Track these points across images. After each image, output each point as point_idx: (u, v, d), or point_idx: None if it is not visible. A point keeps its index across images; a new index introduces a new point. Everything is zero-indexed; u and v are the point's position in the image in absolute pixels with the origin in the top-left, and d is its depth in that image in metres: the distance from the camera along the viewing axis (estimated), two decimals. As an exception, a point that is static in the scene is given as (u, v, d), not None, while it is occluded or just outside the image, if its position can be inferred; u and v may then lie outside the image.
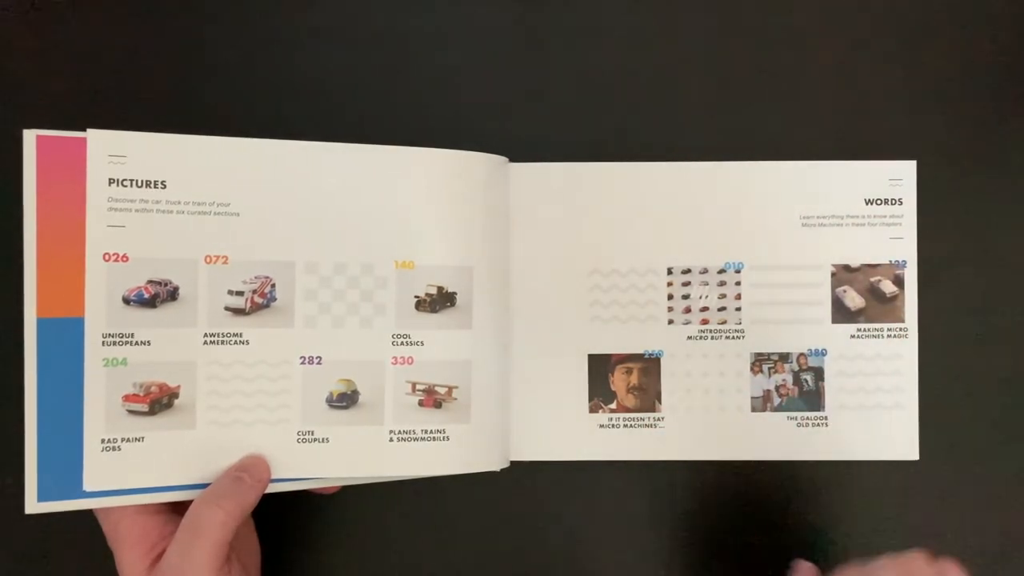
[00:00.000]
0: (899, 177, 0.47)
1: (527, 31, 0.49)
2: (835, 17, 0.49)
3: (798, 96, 0.49)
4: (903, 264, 0.46)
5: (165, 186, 0.42)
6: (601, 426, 0.47)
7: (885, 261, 0.47)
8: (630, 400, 0.47)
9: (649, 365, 0.47)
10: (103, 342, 0.41)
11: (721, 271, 0.47)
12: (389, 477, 0.44)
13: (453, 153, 0.44)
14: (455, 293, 0.44)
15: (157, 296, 0.41)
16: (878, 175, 0.47)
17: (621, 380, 0.47)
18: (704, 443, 0.47)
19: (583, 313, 0.47)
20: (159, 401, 0.41)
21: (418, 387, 0.44)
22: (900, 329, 0.46)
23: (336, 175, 0.43)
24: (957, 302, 0.48)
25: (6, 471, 0.46)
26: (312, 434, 0.43)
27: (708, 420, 0.47)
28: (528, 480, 0.48)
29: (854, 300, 0.46)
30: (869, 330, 0.46)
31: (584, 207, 0.47)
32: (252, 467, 0.41)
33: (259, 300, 0.43)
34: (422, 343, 0.44)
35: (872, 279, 0.47)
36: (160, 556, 0.39)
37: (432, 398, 0.44)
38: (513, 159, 0.47)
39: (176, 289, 0.42)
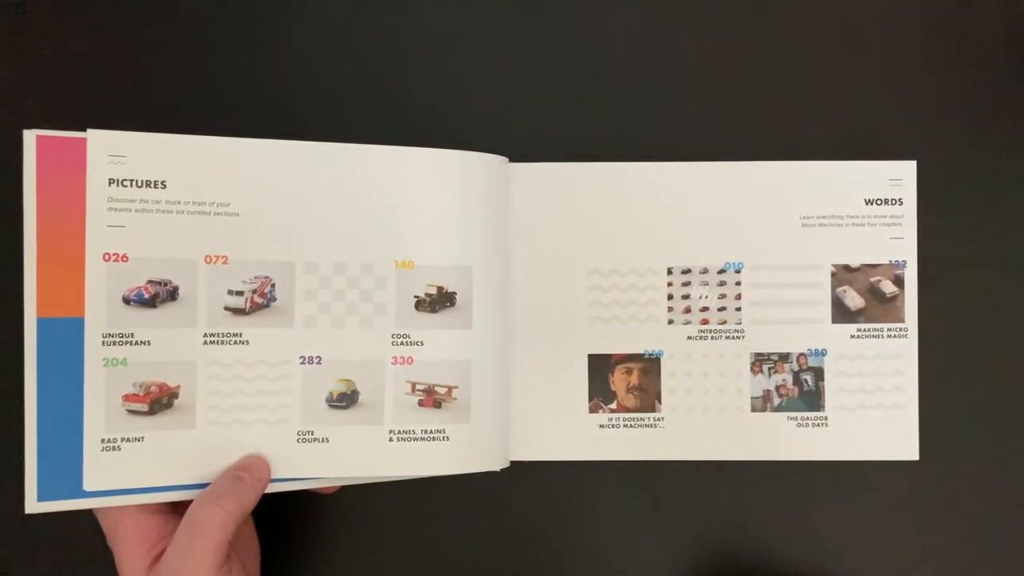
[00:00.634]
0: (899, 177, 0.47)
1: (527, 31, 0.49)
2: (835, 17, 0.49)
3: (798, 96, 0.49)
4: (903, 264, 0.46)
5: (165, 186, 0.42)
6: (601, 426, 0.47)
7: (885, 261, 0.47)
8: (630, 400, 0.47)
9: (649, 365, 0.47)
10: (103, 342, 0.41)
11: (721, 271, 0.47)
12: (389, 477, 0.44)
13: (453, 153, 0.44)
14: (455, 293, 0.44)
15: (157, 296, 0.41)
16: (878, 175, 0.47)
17: (621, 380, 0.47)
18: (704, 443, 0.47)
19: (583, 313, 0.47)
20: (159, 401, 0.41)
21: (418, 387, 0.44)
22: (900, 329, 0.46)
23: (336, 175, 0.43)
24: (957, 302, 0.48)
25: (6, 470, 0.46)
26: (312, 434, 0.43)
27: (708, 420, 0.47)
28: (528, 480, 0.48)
29: (854, 300, 0.46)
30: (869, 330, 0.46)
31: (584, 207, 0.47)
32: (252, 467, 0.41)
33: (259, 300, 0.43)
34: (422, 343, 0.44)
35: (872, 279, 0.47)
36: (160, 556, 0.39)
37: (432, 398, 0.44)
38: (513, 159, 0.47)
39: (176, 289, 0.42)
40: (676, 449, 0.47)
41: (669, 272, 0.47)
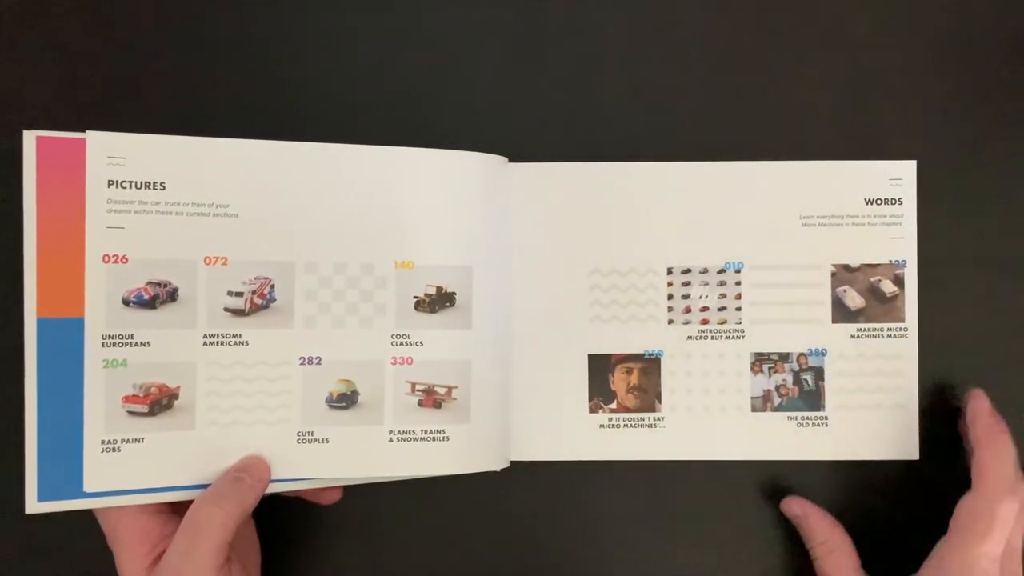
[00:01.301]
0: (899, 177, 0.47)
1: (527, 31, 0.49)
2: (835, 16, 0.49)
3: (798, 96, 0.49)
4: (903, 264, 0.46)
5: (164, 187, 0.42)
6: (601, 426, 0.47)
7: (885, 261, 0.46)
8: (630, 400, 0.47)
9: (649, 365, 0.47)
10: (103, 343, 0.41)
11: (721, 271, 0.47)
12: (389, 477, 0.44)
13: (452, 153, 0.44)
14: (454, 293, 0.44)
15: (157, 297, 0.42)
16: (878, 175, 0.47)
17: (621, 380, 0.47)
18: (704, 443, 0.47)
19: (583, 313, 0.47)
20: (159, 402, 0.41)
21: (418, 387, 0.44)
22: (900, 329, 0.46)
23: (335, 176, 0.43)
24: (957, 302, 0.48)
25: (6, 470, 0.46)
26: (312, 434, 0.43)
27: (708, 420, 0.47)
28: (528, 480, 0.48)
29: (854, 300, 0.46)
30: (869, 330, 0.46)
31: (584, 207, 0.47)
32: (252, 467, 0.42)
33: (258, 301, 0.43)
34: (422, 343, 0.44)
35: (872, 279, 0.46)
36: (160, 556, 0.39)
37: (432, 398, 0.44)
38: (513, 159, 0.47)
39: (176, 290, 0.42)
40: (676, 449, 0.47)
41: (669, 272, 0.47)
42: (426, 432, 0.44)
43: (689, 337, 0.47)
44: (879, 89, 0.48)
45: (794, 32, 0.49)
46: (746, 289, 0.47)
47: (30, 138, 0.40)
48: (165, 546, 0.39)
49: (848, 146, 0.48)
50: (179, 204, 0.42)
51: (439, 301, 0.44)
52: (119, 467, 0.41)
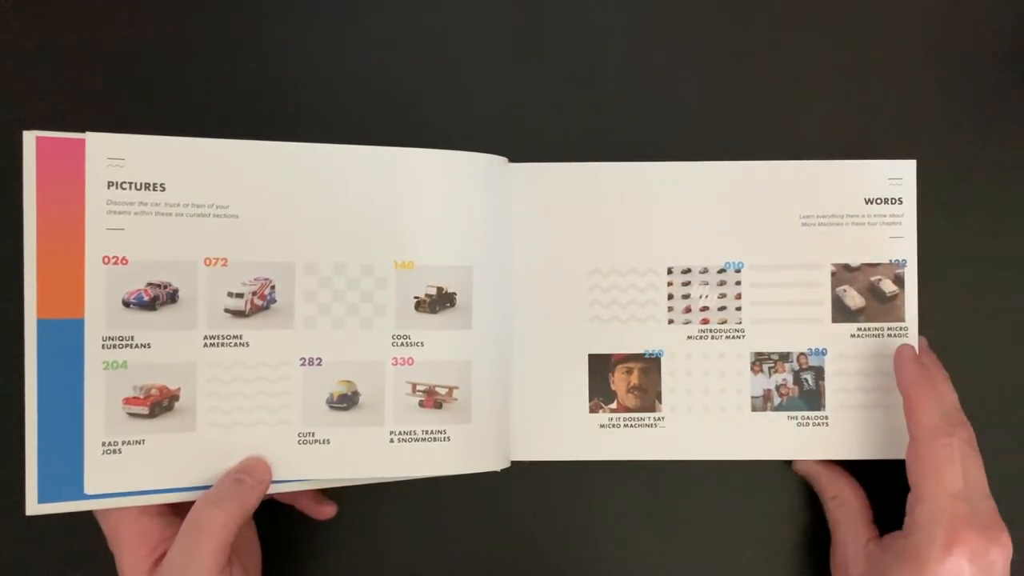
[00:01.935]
0: (899, 176, 0.47)
1: (526, 30, 0.49)
2: (834, 16, 0.49)
3: (797, 95, 0.49)
4: (903, 263, 0.46)
5: (164, 188, 0.42)
6: (601, 426, 0.47)
7: (885, 260, 0.46)
8: (630, 400, 0.47)
9: (649, 365, 0.47)
10: (103, 345, 0.41)
11: (721, 271, 0.47)
12: (390, 478, 0.44)
13: (452, 154, 0.44)
14: (455, 293, 0.44)
15: (157, 299, 0.41)
16: (878, 174, 0.47)
17: (621, 380, 0.47)
18: (704, 443, 0.47)
19: (583, 313, 0.47)
20: (159, 404, 0.41)
21: (418, 388, 0.44)
22: (900, 328, 0.46)
23: (335, 176, 0.43)
24: (957, 301, 0.48)
25: (6, 472, 0.46)
26: (313, 435, 0.43)
27: (708, 420, 0.47)
28: (529, 480, 0.48)
29: (854, 299, 0.46)
30: (869, 329, 0.46)
31: (583, 207, 0.47)
32: (253, 469, 0.42)
33: (259, 302, 0.43)
34: (422, 344, 0.44)
35: (872, 278, 0.46)
36: (161, 558, 0.39)
37: (432, 399, 0.44)
38: (513, 159, 0.47)
39: (176, 291, 0.42)
40: (676, 449, 0.47)
41: (669, 272, 0.47)
42: (427, 432, 0.44)
43: (689, 337, 0.47)
44: (879, 88, 0.49)
45: (793, 31, 0.49)
46: (746, 289, 0.47)
47: (30, 138, 0.40)
48: (166, 548, 0.39)
49: (848, 145, 0.48)
50: (179, 205, 0.42)
51: (439, 301, 0.44)
52: (120, 469, 0.41)
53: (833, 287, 0.47)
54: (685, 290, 0.47)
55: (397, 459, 0.44)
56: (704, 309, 0.47)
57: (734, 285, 0.47)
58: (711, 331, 0.47)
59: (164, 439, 0.41)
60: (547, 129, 0.49)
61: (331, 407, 0.43)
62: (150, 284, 0.41)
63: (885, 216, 0.46)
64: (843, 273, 0.46)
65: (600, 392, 0.47)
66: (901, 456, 0.46)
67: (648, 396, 0.47)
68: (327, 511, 0.45)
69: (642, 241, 0.47)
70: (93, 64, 0.48)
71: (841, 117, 0.48)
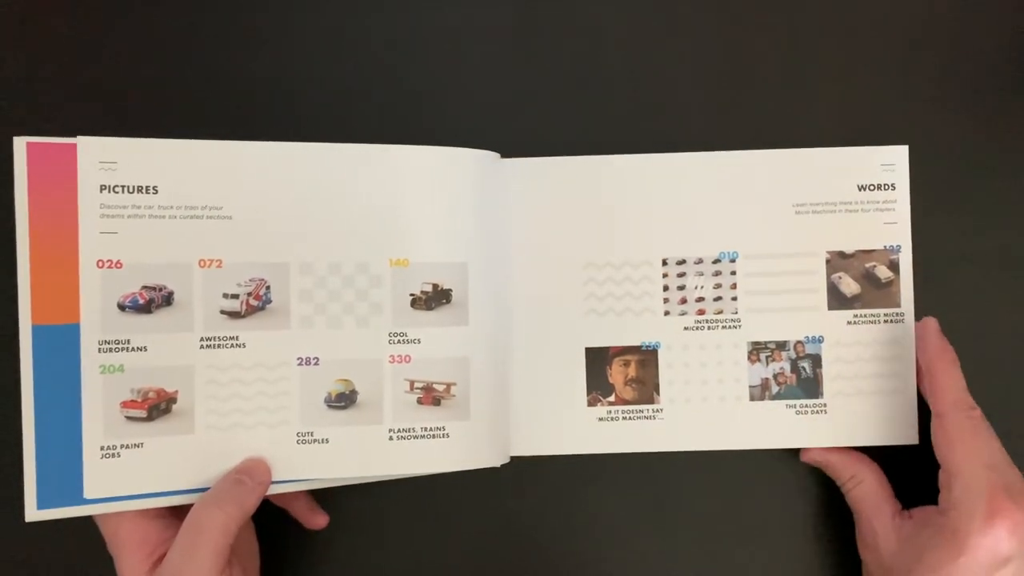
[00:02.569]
0: (891, 162, 0.47)
1: (518, 25, 0.49)
2: (827, 4, 0.49)
3: (789, 85, 0.49)
4: (897, 249, 0.46)
5: (157, 191, 0.41)
6: (600, 419, 0.47)
7: (879, 247, 0.47)
8: (628, 392, 0.47)
9: (646, 357, 0.47)
10: (99, 349, 0.41)
11: (716, 261, 0.47)
12: (390, 476, 0.44)
13: (444, 150, 0.44)
14: (450, 290, 0.44)
15: (152, 301, 0.41)
16: (870, 161, 0.47)
17: (619, 373, 0.47)
18: (703, 433, 0.47)
19: (579, 307, 0.47)
20: (157, 407, 0.41)
21: (416, 385, 0.44)
22: (896, 314, 0.46)
23: (327, 175, 0.43)
24: (952, 286, 0.48)
25: (5, 478, 0.46)
26: (311, 435, 0.43)
27: (707, 410, 0.47)
28: (529, 475, 0.48)
29: (849, 286, 0.46)
30: (865, 316, 0.46)
31: (577, 200, 0.47)
32: (252, 470, 0.41)
33: (254, 303, 0.43)
34: (419, 341, 0.44)
35: (867, 265, 0.47)
36: (160, 560, 0.39)
37: (431, 395, 0.44)
38: (505, 155, 0.47)
39: (171, 294, 0.42)
40: (676, 440, 0.47)
41: (664, 263, 0.47)
42: (426, 430, 0.44)
43: (686, 328, 0.47)
44: (870, 75, 0.49)
45: (785, 21, 0.49)
46: (741, 279, 0.47)
47: (20, 144, 0.40)
48: (165, 550, 0.39)
49: (840, 132, 0.48)
50: (172, 207, 0.42)
51: (435, 298, 0.44)
52: (119, 473, 0.40)
53: (828, 274, 0.47)
54: (680, 281, 0.47)
55: (396, 457, 0.43)
56: (700, 300, 0.47)
57: (729, 275, 0.47)
58: (707, 322, 0.47)
59: (162, 442, 0.41)
60: (538, 124, 0.49)
61: (329, 406, 0.43)
62: (145, 287, 0.41)
63: (878, 202, 0.47)
64: (838, 260, 0.47)
65: (598, 385, 0.47)
66: (900, 442, 0.46)
67: (646, 388, 0.47)
68: (320, 521, 0.45)
69: (636, 233, 0.47)
70: (84, 69, 0.48)
71: (832, 104, 0.48)
